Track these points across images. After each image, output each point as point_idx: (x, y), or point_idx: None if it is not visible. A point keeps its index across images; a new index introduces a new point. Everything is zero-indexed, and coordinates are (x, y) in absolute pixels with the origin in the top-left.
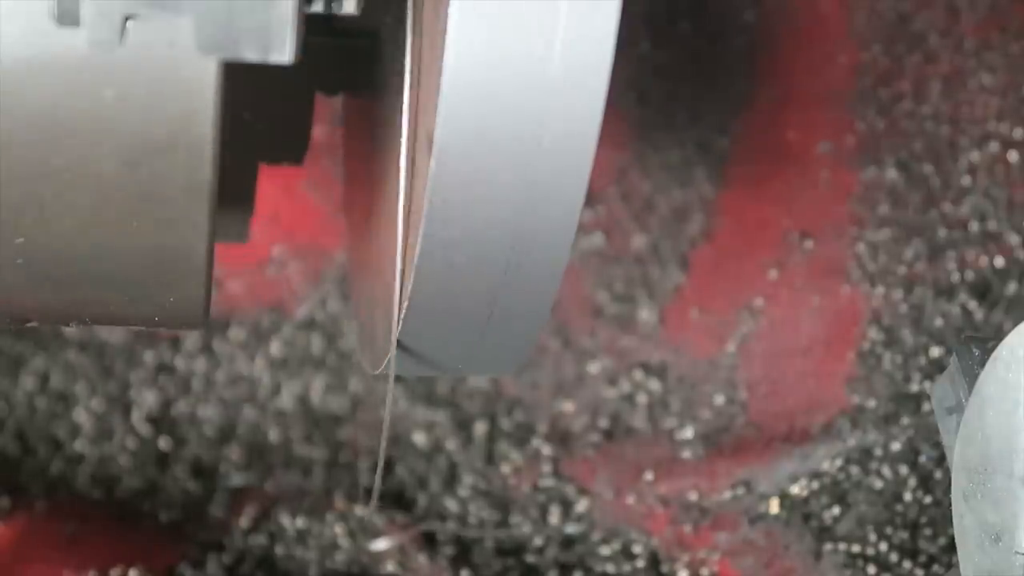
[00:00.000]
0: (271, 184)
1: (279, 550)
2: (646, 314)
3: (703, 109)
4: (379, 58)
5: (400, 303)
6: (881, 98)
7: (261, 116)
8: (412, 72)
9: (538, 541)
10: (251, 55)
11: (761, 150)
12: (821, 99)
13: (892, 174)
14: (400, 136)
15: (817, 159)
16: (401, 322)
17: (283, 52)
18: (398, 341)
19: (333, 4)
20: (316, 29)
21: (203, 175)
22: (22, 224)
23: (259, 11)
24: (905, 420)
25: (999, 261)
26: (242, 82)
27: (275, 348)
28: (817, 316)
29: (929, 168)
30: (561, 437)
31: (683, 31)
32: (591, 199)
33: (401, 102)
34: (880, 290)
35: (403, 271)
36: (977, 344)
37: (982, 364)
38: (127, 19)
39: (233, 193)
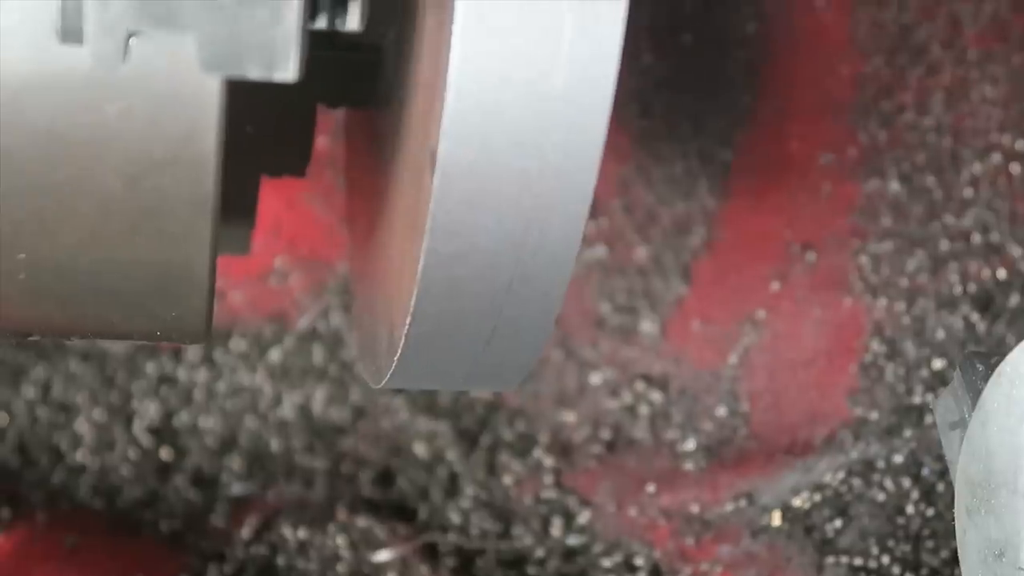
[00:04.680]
0: (273, 195)
1: (280, 561)
2: (648, 325)
3: (705, 121)
4: (382, 71)
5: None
6: (883, 110)
7: (263, 129)
8: (415, 86)
9: (540, 553)
10: (255, 73)
11: (763, 162)
12: (823, 111)
13: (894, 186)
14: (403, 150)
15: (819, 171)
16: (403, 336)
17: (287, 70)
18: (400, 355)
19: (337, 21)
20: (319, 42)
21: (205, 190)
22: (24, 239)
23: (262, 29)
24: (907, 432)
25: (1001, 273)
26: (244, 95)
27: (276, 359)
28: (819, 328)
29: (931, 180)
30: (563, 448)
31: (685, 43)
32: (594, 210)
33: (404, 116)
34: (882, 302)
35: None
36: (981, 359)
37: (986, 379)
38: (130, 36)
39: (235, 206)
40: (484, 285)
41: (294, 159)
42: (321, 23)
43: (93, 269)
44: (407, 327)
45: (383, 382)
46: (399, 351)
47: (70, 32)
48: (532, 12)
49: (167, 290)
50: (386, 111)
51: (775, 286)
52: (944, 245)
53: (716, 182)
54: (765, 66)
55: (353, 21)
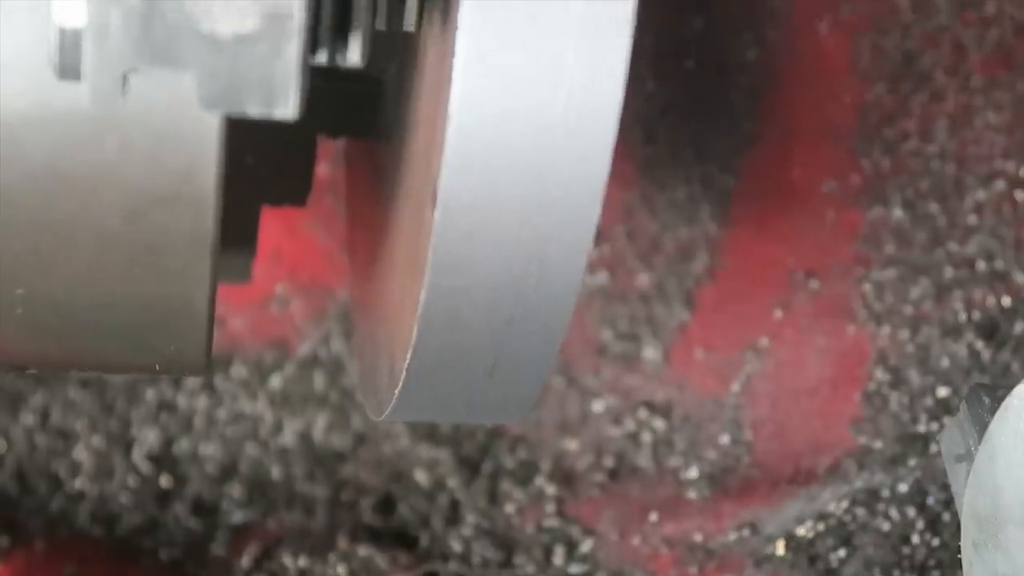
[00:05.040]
0: (273, 221)
1: None
2: (651, 353)
3: (708, 147)
4: (382, 103)
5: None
6: (886, 137)
7: (264, 159)
8: (416, 120)
9: None
10: (255, 111)
11: (766, 188)
12: (826, 137)
13: (898, 213)
14: (404, 184)
15: (822, 198)
16: (404, 370)
17: (287, 107)
18: (401, 388)
19: (337, 56)
20: (319, 74)
21: (205, 226)
22: (22, 274)
23: (262, 66)
24: (912, 461)
25: (1006, 300)
26: (244, 126)
27: (277, 385)
28: (823, 356)
29: (935, 207)
30: (565, 476)
31: (688, 69)
32: (596, 237)
33: (405, 150)
34: (886, 330)
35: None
36: (987, 392)
37: (992, 412)
38: (128, 73)
39: (235, 235)
40: (486, 319)
41: (295, 189)
42: (321, 58)
43: (91, 304)
44: (408, 361)
45: (384, 414)
46: (400, 384)
47: (68, 69)
48: (535, 44)
49: (166, 325)
50: (387, 144)
51: (778, 313)
52: (948, 272)
53: (719, 209)
54: (767, 93)
55: (354, 56)
